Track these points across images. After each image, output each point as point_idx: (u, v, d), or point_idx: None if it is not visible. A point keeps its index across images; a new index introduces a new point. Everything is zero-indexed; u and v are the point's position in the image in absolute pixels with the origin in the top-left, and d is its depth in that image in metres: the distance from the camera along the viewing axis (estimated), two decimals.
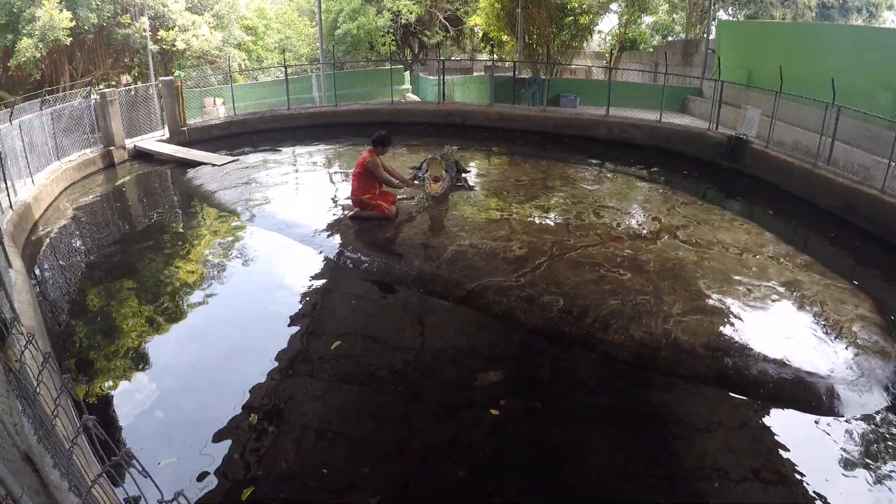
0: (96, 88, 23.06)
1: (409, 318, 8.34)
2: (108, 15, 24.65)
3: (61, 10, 22.46)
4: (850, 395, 6.49)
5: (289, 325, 7.95)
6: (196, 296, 8.99)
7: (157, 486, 2.73)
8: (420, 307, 8.58)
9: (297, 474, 5.34)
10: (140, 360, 7.25)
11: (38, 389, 4.26)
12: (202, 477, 5.21)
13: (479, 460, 5.58)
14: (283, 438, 5.78)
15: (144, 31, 24.10)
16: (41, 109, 14.96)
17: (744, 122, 16.48)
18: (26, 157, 13.33)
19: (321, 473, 5.33)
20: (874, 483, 5.44)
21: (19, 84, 26.13)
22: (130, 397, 6.53)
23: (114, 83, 27.51)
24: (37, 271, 10.15)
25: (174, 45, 25.71)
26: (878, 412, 6.37)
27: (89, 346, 7.57)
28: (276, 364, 6.99)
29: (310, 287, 9.10)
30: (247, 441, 5.69)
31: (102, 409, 6.25)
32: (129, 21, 25.25)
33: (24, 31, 22.23)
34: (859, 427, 6.17)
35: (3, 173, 11.44)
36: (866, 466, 5.65)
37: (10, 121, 13.25)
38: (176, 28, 25.75)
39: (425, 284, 8.87)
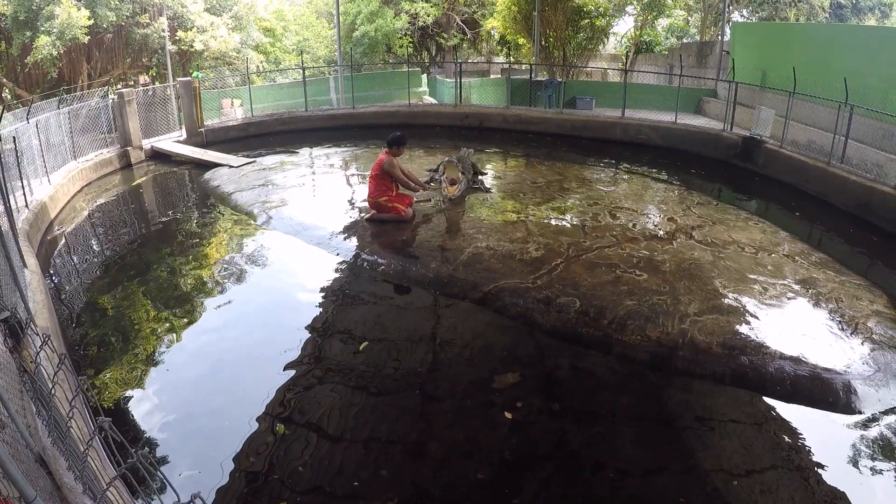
0: (114, 88, 23.14)
1: (425, 321, 8.29)
2: (127, 14, 24.78)
3: (80, 9, 22.58)
4: (867, 391, 6.49)
5: (305, 329, 7.88)
6: (212, 299, 8.96)
7: (173, 488, 2.70)
8: (437, 309, 8.51)
9: (321, 482, 5.25)
10: (157, 363, 7.21)
11: (53, 391, 4.23)
12: (224, 487, 5.13)
13: (498, 462, 5.52)
14: (303, 443, 5.71)
15: (163, 31, 24.22)
16: (58, 108, 15.01)
17: (758, 123, 16.46)
18: (43, 157, 13.36)
19: (341, 478, 5.26)
20: (894, 479, 5.41)
21: (37, 82, 26.34)
22: (147, 400, 6.49)
23: (132, 83, 27.69)
24: (52, 271, 10.16)
25: (192, 46, 25.82)
26: (895, 407, 6.34)
27: (105, 348, 7.54)
28: (293, 368, 6.93)
29: (326, 290, 9.04)
30: (266, 448, 5.62)
31: (118, 412, 6.20)
32: (147, 21, 25.38)
33: (43, 29, 22.34)
34: (877, 422, 6.15)
35: (20, 172, 11.45)
36: (885, 461, 5.63)
37: (27, 119, 13.30)
38: (194, 29, 25.85)
39: (442, 287, 8.81)
